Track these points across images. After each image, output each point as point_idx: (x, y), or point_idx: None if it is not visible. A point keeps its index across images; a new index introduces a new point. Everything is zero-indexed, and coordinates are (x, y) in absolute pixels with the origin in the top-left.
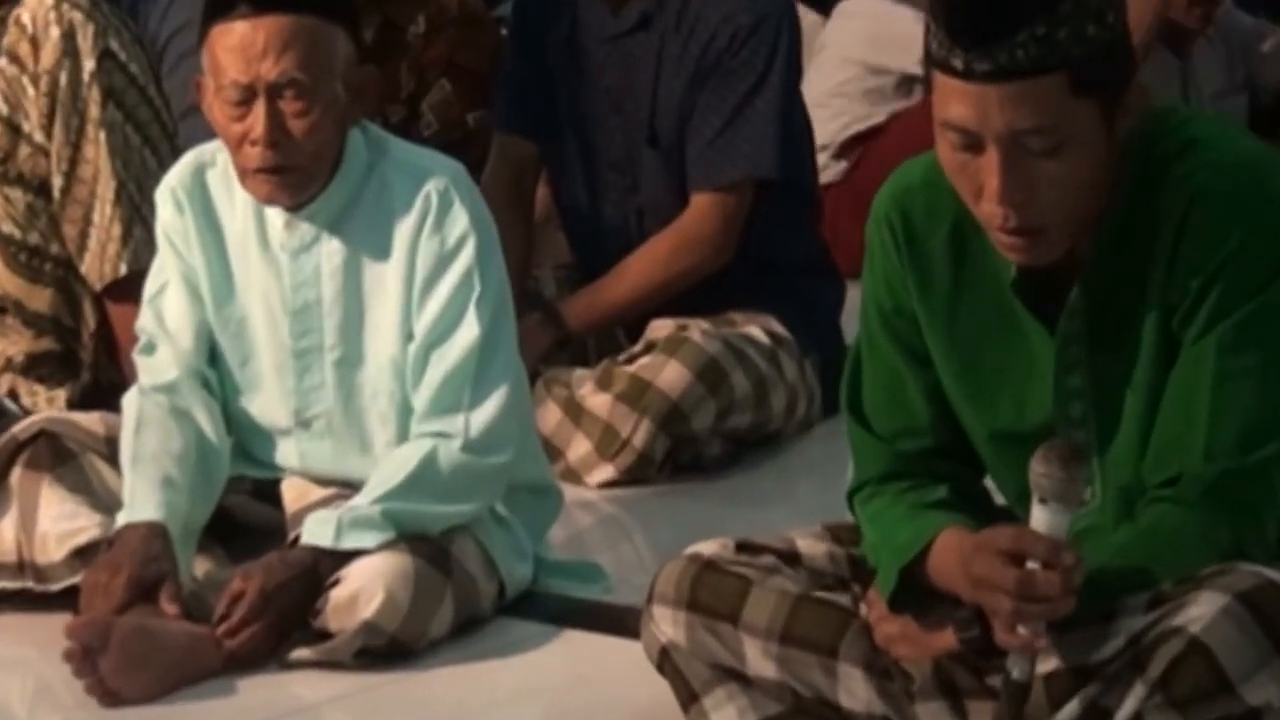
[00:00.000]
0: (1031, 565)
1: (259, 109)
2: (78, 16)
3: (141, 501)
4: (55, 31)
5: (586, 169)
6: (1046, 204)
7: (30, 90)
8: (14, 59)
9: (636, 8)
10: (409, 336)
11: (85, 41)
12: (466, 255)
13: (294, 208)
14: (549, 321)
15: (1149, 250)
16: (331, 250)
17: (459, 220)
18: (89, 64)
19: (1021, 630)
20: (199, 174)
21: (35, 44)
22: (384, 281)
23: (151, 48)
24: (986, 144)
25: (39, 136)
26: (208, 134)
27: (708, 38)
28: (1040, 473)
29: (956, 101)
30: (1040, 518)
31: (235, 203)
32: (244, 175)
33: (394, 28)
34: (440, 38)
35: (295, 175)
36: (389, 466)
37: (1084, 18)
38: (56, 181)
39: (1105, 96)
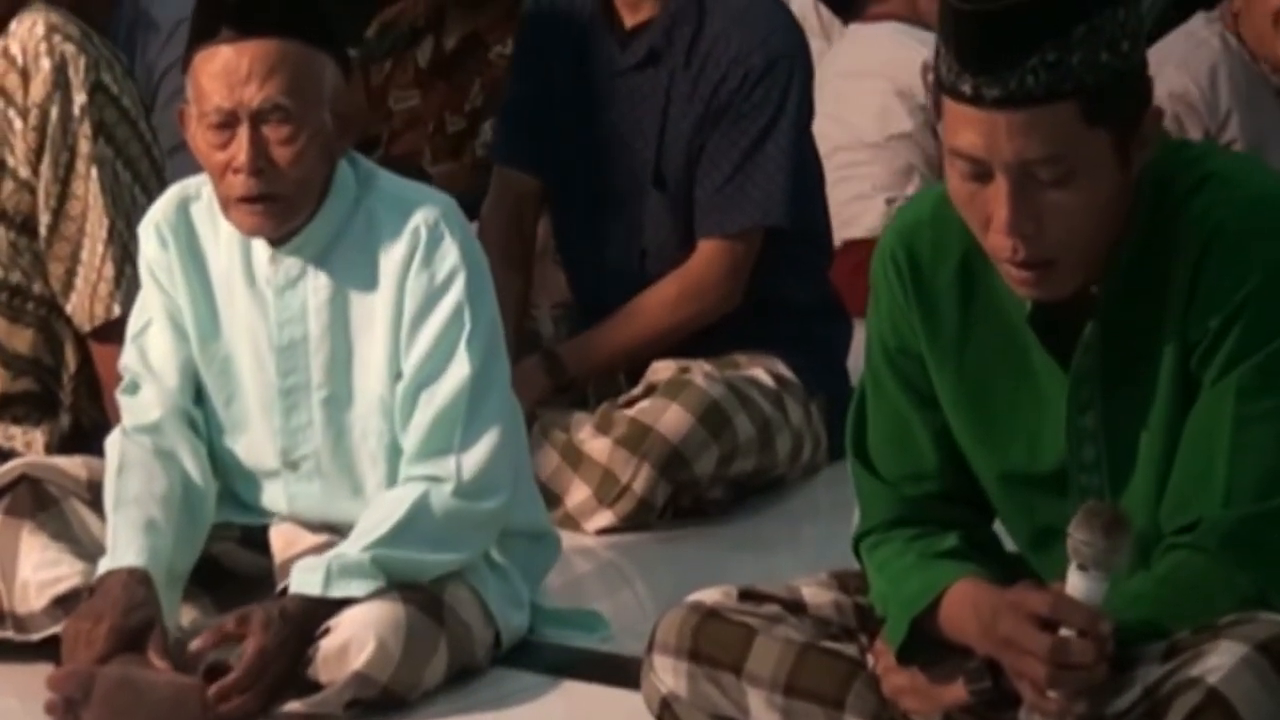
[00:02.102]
0: (1065, 632)
1: (242, 136)
2: (70, 49)
3: (124, 547)
4: (46, 63)
5: (589, 207)
6: (1056, 236)
7: (18, 124)
8: (1, 91)
9: (645, 42)
10: (397, 375)
11: (77, 74)
12: (456, 291)
13: (279, 240)
14: (548, 365)
15: (1165, 288)
16: (318, 285)
17: (449, 255)
18: (80, 97)
19: (1052, 695)
20: (183, 208)
21: (25, 76)
22: (372, 318)
23: (147, 78)
24: (995, 173)
25: (24, 172)
26: (197, 170)
27: (718, 78)
28: (1081, 539)
29: (965, 128)
30: (1078, 584)
31: (220, 237)
32: (227, 206)
33: (479, 42)
34: None
35: (279, 205)
36: (378, 512)
37: (1098, 44)
38: (44, 218)
39: (1118, 126)
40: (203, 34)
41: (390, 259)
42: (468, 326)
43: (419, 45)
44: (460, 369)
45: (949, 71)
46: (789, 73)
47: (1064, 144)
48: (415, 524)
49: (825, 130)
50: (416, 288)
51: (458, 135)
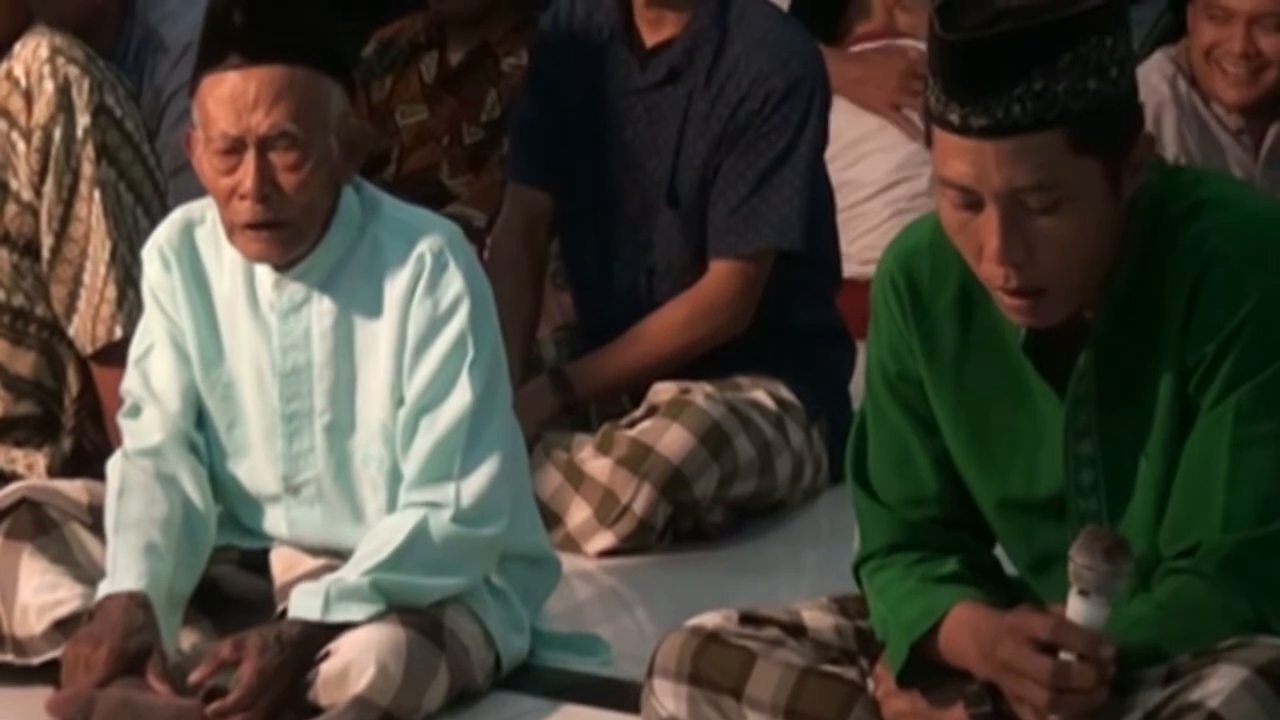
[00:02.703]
0: (1065, 656)
1: (249, 162)
2: (73, 71)
3: (123, 570)
4: (50, 85)
5: (599, 224)
6: (1048, 264)
7: (20, 146)
8: (4, 114)
9: (665, 61)
10: (399, 401)
11: (80, 96)
12: (460, 319)
13: (283, 266)
14: (556, 385)
15: (1161, 314)
16: (322, 311)
17: (453, 282)
18: (84, 120)
19: (1052, 719)
20: (187, 232)
21: (28, 98)
22: (376, 344)
23: (154, 100)
24: (985, 202)
25: (27, 194)
26: (200, 192)
27: (738, 98)
28: (1082, 564)
29: (954, 158)
30: (1079, 609)
31: (224, 262)
32: (232, 231)
33: (489, 53)
34: None
35: (285, 231)
36: (378, 537)
37: (1085, 72)
38: (46, 241)
39: (1108, 153)
40: (210, 60)
41: (395, 286)
42: (470, 354)
43: (422, 61)
44: (462, 396)
45: (937, 101)
46: (809, 96)
47: (1053, 172)
48: (414, 549)
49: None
50: (420, 315)
51: (477, 146)
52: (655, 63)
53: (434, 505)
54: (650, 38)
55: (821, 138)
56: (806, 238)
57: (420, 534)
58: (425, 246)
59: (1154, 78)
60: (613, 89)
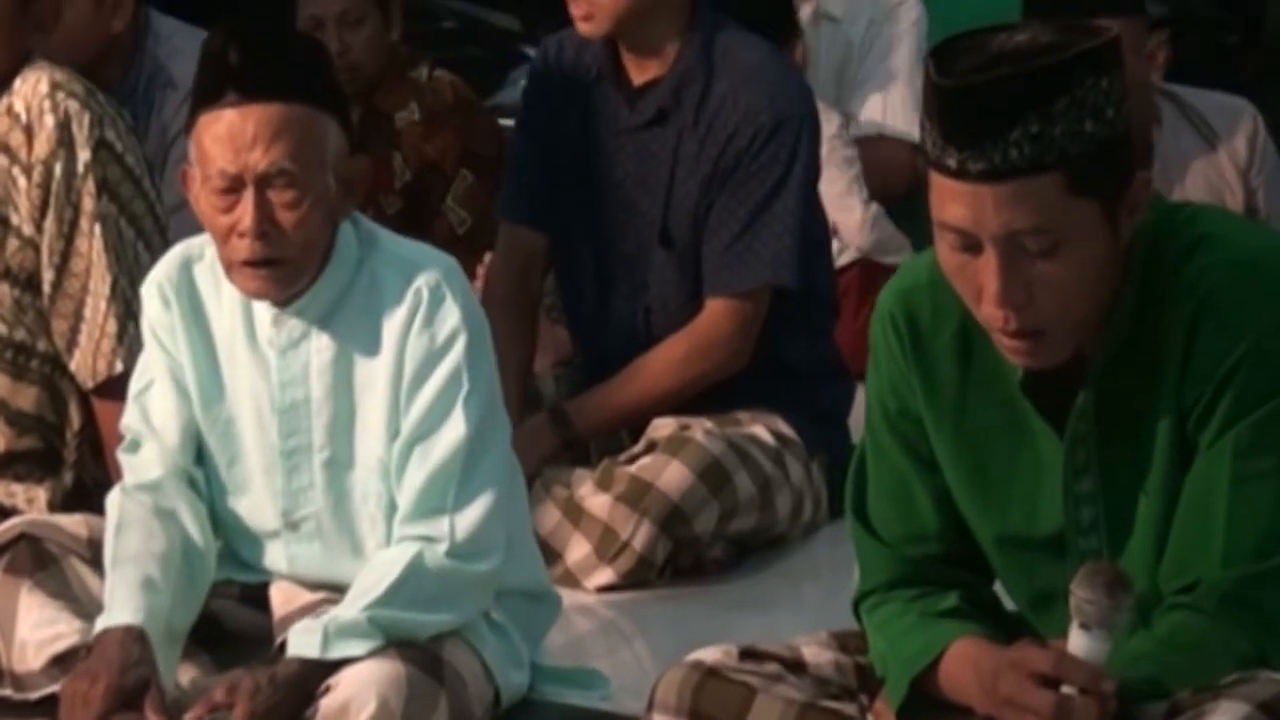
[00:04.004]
0: (1067, 690)
1: (247, 199)
2: (73, 105)
3: (120, 605)
4: (50, 120)
5: (595, 264)
6: (1047, 306)
7: (21, 181)
8: (5, 149)
9: (654, 102)
10: (395, 436)
11: (81, 131)
12: (456, 353)
13: (282, 302)
14: (556, 422)
15: (1160, 351)
16: (321, 347)
17: (450, 317)
18: (84, 155)
19: None
20: (186, 268)
21: (29, 133)
22: (374, 379)
23: (160, 136)
24: (984, 245)
25: (28, 229)
26: (200, 228)
27: (726, 137)
28: (1083, 598)
29: (952, 202)
30: (1080, 643)
31: (223, 298)
32: (230, 268)
33: (378, 114)
34: (445, 127)
35: (284, 268)
36: (374, 572)
37: (1080, 115)
38: (47, 275)
39: (1105, 195)
40: (207, 97)
41: (392, 320)
42: (465, 387)
43: None
44: (456, 429)
45: (934, 146)
46: (797, 133)
47: (1050, 215)
48: (410, 584)
49: None
50: (417, 349)
51: (401, 215)
52: (643, 103)
53: (428, 539)
54: (637, 77)
55: (812, 172)
56: (801, 273)
57: (415, 568)
58: (422, 281)
59: None
60: (603, 129)
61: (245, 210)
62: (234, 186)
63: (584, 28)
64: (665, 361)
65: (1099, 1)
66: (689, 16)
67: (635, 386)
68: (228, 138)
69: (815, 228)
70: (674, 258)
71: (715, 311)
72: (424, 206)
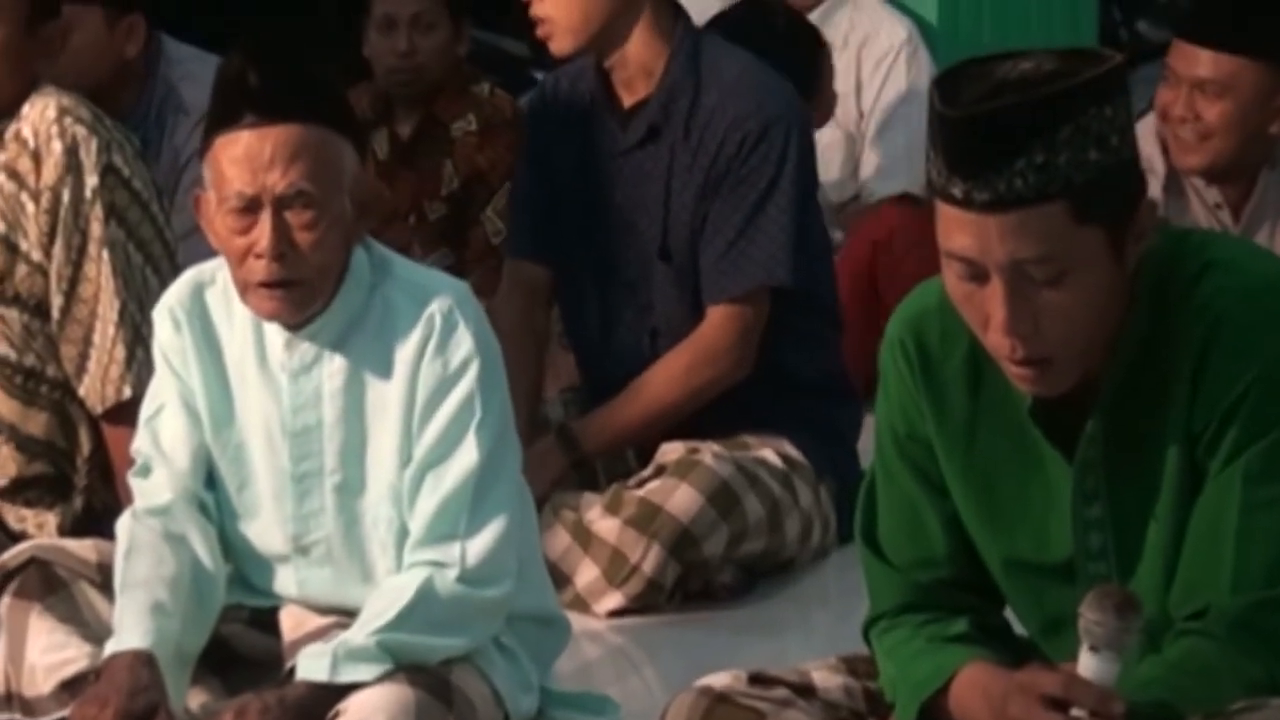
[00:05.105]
0: (1076, 713)
1: (264, 221)
2: (81, 131)
3: (129, 629)
4: (58, 146)
5: (599, 290)
6: (1054, 334)
7: (30, 207)
8: (13, 175)
9: (644, 120)
10: (408, 462)
11: (89, 157)
12: (469, 380)
13: (295, 326)
14: (563, 443)
15: (1169, 377)
16: (333, 371)
17: (463, 344)
18: (92, 180)
19: None
20: (198, 293)
21: (37, 159)
22: (385, 405)
23: (173, 160)
24: (990, 274)
25: (37, 255)
26: (210, 254)
27: (716, 146)
28: (1092, 619)
29: (958, 231)
30: (1089, 665)
31: (234, 322)
32: (245, 290)
33: (436, 123)
34: (499, 140)
35: (300, 290)
36: (384, 596)
37: (1085, 143)
38: (56, 301)
39: (1111, 222)
40: (223, 120)
41: (405, 346)
42: (478, 414)
43: (373, 138)
44: (468, 455)
45: (939, 175)
46: (785, 136)
47: (1056, 244)
48: (420, 609)
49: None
50: (429, 376)
51: (443, 221)
52: (635, 123)
53: (440, 565)
54: (628, 99)
55: (806, 176)
56: (799, 276)
57: (426, 593)
58: (436, 307)
59: (1143, 144)
60: (599, 154)
61: (262, 232)
62: (251, 208)
63: (552, 47)
64: (669, 373)
65: (1243, 41)
66: (670, 31)
67: (641, 401)
68: (245, 159)
69: (813, 231)
70: (674, 273)
71: (715, 319)
72: (465, 215)
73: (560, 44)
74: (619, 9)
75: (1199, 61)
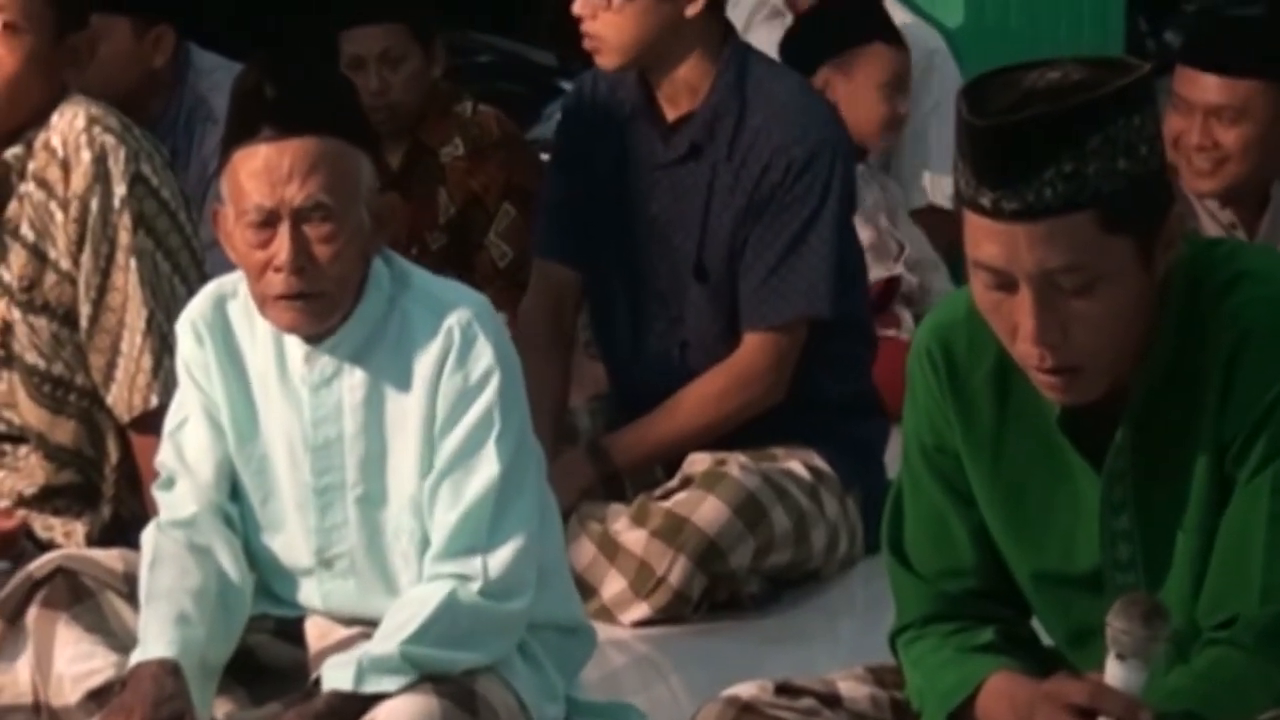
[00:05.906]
0: None
1: (283, 234)
2: (109, 140)
3: (154, 639)
4: (87, 155)
5: (629, 299)
6: (1082, 344)
7: (59, 216)
8: (42, 184)
9: (687, 136)
10: (428, 473)
11: (117, 166)
12: (489, 393)
13: (314, 339)
14: (594, 457)
15: (1198, 387)
16: (353, 384)
17: (483, 357)
18: (120, 189)
19: None
20: (220, 305)
21: (66, 168)
22: (406, 417)
23: (202, 170)
24: (1019, 283)
25: (66, 264)
26: (235, 265)
27: (760, 170)
28: (1119, 628)
29: (986, 240)
30: (1117, 674)
31: (256, 335)
32: (264, 303)
33: (424, 149)
34: (489, 161)
35: (319, 303)
36: (407, 608)
37: (1114, 153)
38: (84, 310)
39: (1140, 232)
40: (242, 133)
41: (425, 359)
42: (498, 427)
43: None
44: (489, 468)
45: (967, 185)
46: (830, 163)
47: (1084, 253)
48: (444, 621)
49: None
50: (450, 389)
51: (446, 249)
52: (677, 138)
53: (462, 578)
54: (671, 112)
55: (847, 202)
56: (836, 305)
57: (450, 606)
58: (455, 320)
59: None
60: (637, 165)
61: (281, 245)
62: (269, 221)
63: (599, 61)
64: (703, 396)
65: (1251, 64)
66: (718, 50)
67: (673, 421)
68: (264, 172)
69: (851, 258)
70: (708, 291)
71: (752, 346)
72: (468, 241)
73: (608, 60)
74: (671, 34)
75: (1209, 88)
